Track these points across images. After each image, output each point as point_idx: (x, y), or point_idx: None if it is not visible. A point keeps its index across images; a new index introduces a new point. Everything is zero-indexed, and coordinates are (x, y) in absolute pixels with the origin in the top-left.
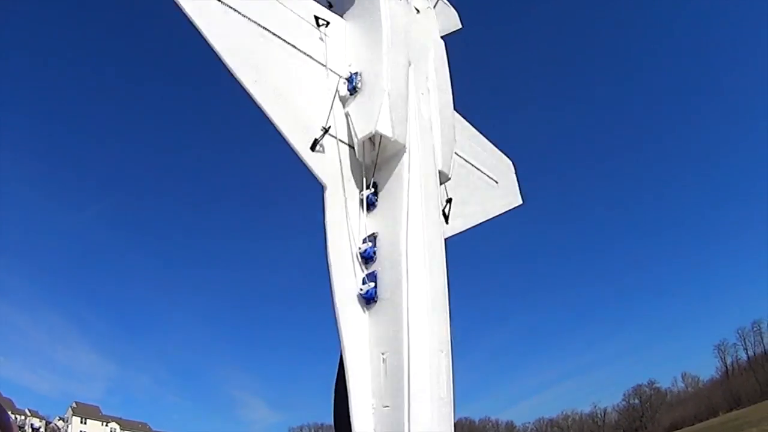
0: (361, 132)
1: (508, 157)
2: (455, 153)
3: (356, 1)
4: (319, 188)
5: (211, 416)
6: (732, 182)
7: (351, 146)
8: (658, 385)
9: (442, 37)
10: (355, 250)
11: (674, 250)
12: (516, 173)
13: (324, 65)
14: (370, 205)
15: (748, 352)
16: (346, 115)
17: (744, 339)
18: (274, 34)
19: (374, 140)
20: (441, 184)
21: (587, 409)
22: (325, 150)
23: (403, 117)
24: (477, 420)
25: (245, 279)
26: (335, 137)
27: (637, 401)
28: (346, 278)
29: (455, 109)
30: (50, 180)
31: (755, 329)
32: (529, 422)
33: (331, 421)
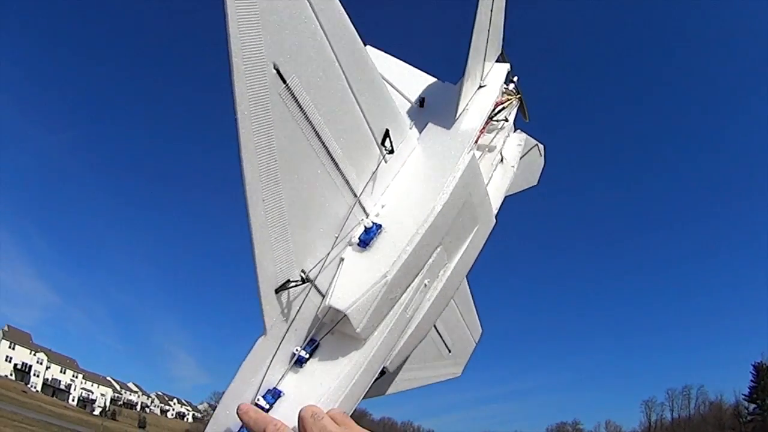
0: (336, 301)
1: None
2: None
3: (446, 134)
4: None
5: (139, 365)
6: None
7: (323, 295)
8: (581, 427)
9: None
10: (253, 398)
11: (622, 300)
12: (478, 342)
13: (356, 196)
14: (298, 363)
15: (673, 414)
16: (340, 259)
17: (672, 400)
18: (320, 140)
19: None
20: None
21: None
22: (290, 295)
23: (382, 313)
24: (399, 422)
25: (206, 230)
26: (313, 283)
27: None
28: (227, 425)
29: None
30: (29, 95)
31: (684, 393)
32: None
33: None
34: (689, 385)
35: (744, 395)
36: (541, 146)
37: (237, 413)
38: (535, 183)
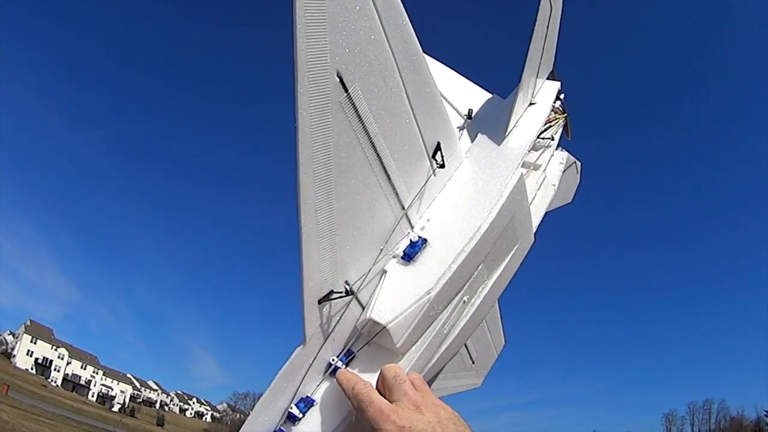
0: (376, 314)
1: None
2: None
3: (496, 151)
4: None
5: (160, 363)
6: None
7: (363, 306)
8: None
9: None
10: (287, 406)
11: (645, 313)
12: (500, 354)
13: (403, 208)
14: (334, 373)
15: (694, 428)
16: (383, 272)
17: (693, 414)
18: (375, 151)
19: None
20: None
21: None
22: (332, 305)
23: (422, 329)
24: None
25: (231, 234)
26: (356, 296)
27: None
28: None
29: None
30: (57, 93)
31: (705, 408)
32: None
33: None
34: (710, 399)
35: (766, 411)
36: (578, 163)
37: (336, 375)
38: (570, 200)
